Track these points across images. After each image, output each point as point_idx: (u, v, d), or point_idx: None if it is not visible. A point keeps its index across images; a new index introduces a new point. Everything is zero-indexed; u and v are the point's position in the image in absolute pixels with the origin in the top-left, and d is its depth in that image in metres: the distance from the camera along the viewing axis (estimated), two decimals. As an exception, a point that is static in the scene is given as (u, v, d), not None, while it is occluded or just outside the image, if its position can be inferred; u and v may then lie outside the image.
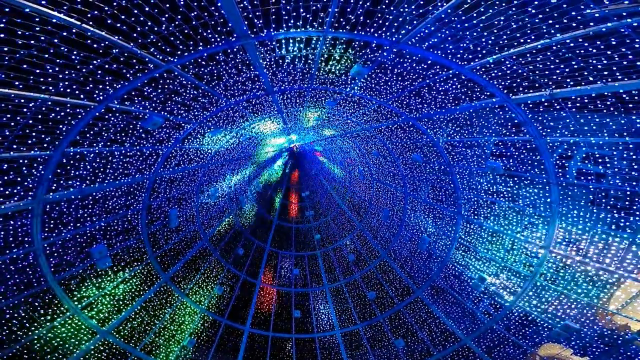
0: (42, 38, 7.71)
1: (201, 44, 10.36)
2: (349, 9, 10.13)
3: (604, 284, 13.59)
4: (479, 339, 18.43)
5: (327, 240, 30.62)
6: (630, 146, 10.55)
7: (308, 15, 10.38)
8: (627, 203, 11.77)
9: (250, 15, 9.93)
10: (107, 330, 16.36)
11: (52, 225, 12.51)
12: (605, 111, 10.10)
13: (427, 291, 21.51)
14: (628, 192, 11.53)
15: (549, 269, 15.00)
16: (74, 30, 7.97)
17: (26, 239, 11.85)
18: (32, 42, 7.66)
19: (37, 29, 7.48)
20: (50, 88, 9.04)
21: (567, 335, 14.33)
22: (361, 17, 10.45)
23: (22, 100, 8.74)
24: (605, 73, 9.13)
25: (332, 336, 24.42)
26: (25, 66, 8.08)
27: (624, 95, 9.20)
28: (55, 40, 7.94)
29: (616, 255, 12.72)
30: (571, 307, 14.61)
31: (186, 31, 9.70)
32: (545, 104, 11.21)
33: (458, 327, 19.51)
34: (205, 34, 10.03)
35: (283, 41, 11.65)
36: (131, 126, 12.74)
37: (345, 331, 24.31)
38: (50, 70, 8.61)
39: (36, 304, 13.51)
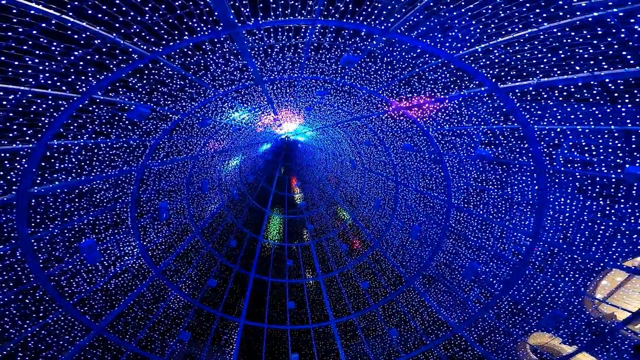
0: (20, 30, 7.48)
1: (186, 33, 10.15)
2: (337, -3, 9.99)
3: (590, 272, 13.82)
4: (470, 328, 18.72)
5: (320, 230, 30.72)
6: (616, 134, 10.67)
7: (296, 4, 10.21)
8: (612, 190, 11.95)
9: (237, 4, 9.74)
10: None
11: (38, 220, 12.32)
12: (591, 100, 10.18)
13: (419, 280, 21.76)
14: (613, 179, 11.70)
15: (537, 257, 15.23)
16: (53, 22, 7.74)
17: (12, 234, 11.65)
18: (10, 33, 7.43)
19: (15, 20, 7.26)
20: (31, 80, 8.81)
21: (555, 323, 14.57)
22: (350, 5, 10.32)
23: (2, 93, 8.52)
24: (592, 62, 9.17)
25: (327, 326, 24.64)
26: (3, 58, 7.84)
27: (610, 85, 9.26)
28: (34, 32, 7.72)
29: (602, 243, 12.93)
30: (559, 295, 14.87)
31: (170, 20, 9.49)
32: (533, 92, 11.25)
33: (450, 315, 19.80)
34: (190, 23, 9.82)
35: (271, 30, 11.46)
36: (117, 118, 12.52)
37: (340, 321, 24.55)
38: (30, 62, 8.39)
39: (27, 301, 13.37)
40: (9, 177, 10.38)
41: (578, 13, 7.94)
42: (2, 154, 9.77)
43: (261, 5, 10.10)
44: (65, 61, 8.83)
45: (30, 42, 7.83)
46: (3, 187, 10.45)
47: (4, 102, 8.70)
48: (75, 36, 8.35)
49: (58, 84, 9.39)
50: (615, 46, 8.22)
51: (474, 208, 17.53)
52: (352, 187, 29.12)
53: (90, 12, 7.98)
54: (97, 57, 9.31)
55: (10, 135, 9.63)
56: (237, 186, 29.93)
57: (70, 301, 14.87)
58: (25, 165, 10.59)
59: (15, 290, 12.62)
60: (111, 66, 9.96)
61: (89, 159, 12.93)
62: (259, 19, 10.50)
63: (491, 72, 11.50)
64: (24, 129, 9.81)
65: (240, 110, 18.73)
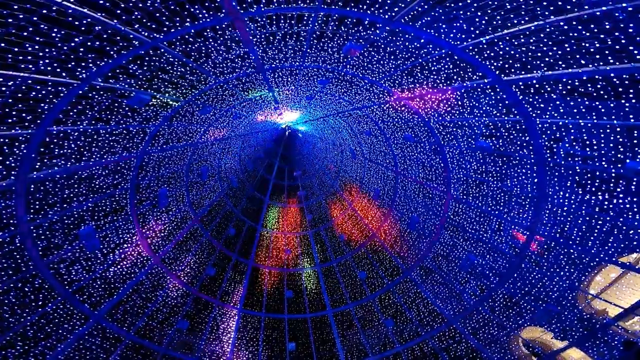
0: (21, 16, 7.35)
1: (188, 20, 9.98)
2: (341, -15, 9.83)
3: (585, 267, 13.93)
4: (465, 320, 18.91)
5: (319, 220, 30.80)
6: (618, 129, 10.65)
7: (299, -9, 10.05)
8: (611, 185, 11.97)
9: (240, -10, 9.57)
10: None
11: (37, 207, 12.26)
12: (595, 95, 10.12)
13: (416, 271, 21.92)
14: (613, 175, 11.71)
15: (533, 251, 15.33)
16: (54, 8, 7.60)
17: (11, 221, 11.61)
18: (10, 20, 7.30)
19: (15, 7, 7.12)
20: (31, 66, 8.69)
21: (548, 318, 14.68)
22: (354, -7, 10.17)
23: (1, 79, 8.39)
24: (597, 57, 9.09)
25: (324, 316, 24.87)
26: (3, 45, 7.72)
27: (615, 80, 9.20)
28: (35, 19, 7.58)
29: (598, 238, 12.99)
30: (553, 289, 15.00)
31: (172, 7, 9.32)
32: (537, 85, 11.18)
33: (445, 307, 19.99)
34: (192, 9, 9.65)
35: (274, 17, 11.30)
36: (116, 104, 12.39)
37: (337, 311, 24.77)
38: (30, 49, 8.27)
39: (26, 289, 13.33)
40: (8, 163, 10.30)
41: (586, 7, 7.83)
42: (1, 140, 9.68)
43: (264, -8, 9.94)
44: (65, 48, 8.70)
45: (30, 29, 7.70)
46: (2, 172, 10.37)
47: (3, 89, 8.59)
48: (76, 22, 8.22)
49: (58, 70, 9.26)
50: (623, 41, 8.14)
51: (473, 200, 17.57)
52: (352, 177, 29.11)
53: (91, -3, 7.85)
54: (97, 43, 9.17)
55: (9, 121, 9.53)
56: (237, 174, 29.86)
57: (70, 289, 14.87)
58: (25, 151, 10.50)
59: (14, 278, 12.61)
60: (112, 53, 9.81)
61: (89, 145, 12.82)
62: (262, 6, 10.34)
63: (495, 64, 11.40)
64: (23, 114, 9.71)
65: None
